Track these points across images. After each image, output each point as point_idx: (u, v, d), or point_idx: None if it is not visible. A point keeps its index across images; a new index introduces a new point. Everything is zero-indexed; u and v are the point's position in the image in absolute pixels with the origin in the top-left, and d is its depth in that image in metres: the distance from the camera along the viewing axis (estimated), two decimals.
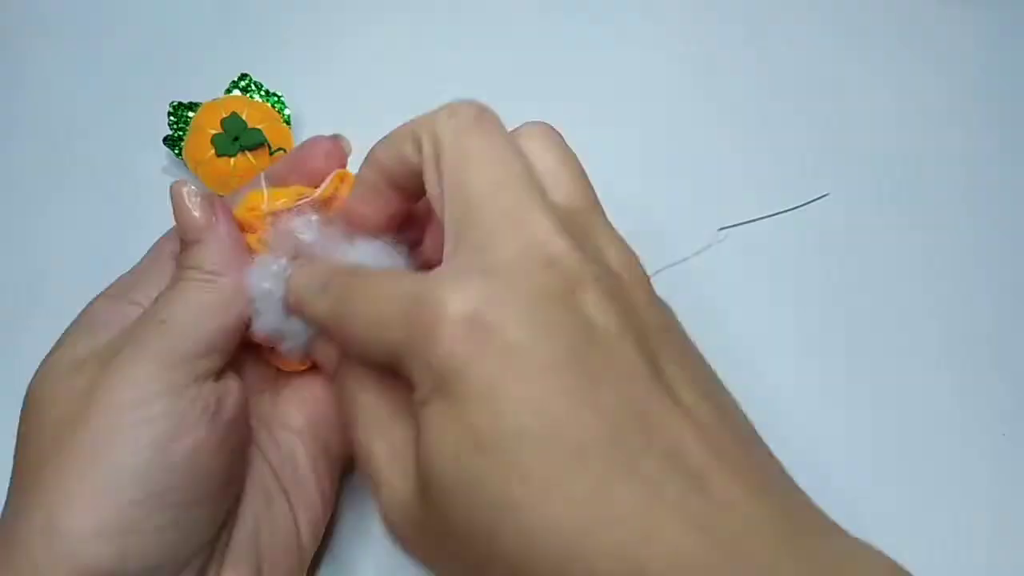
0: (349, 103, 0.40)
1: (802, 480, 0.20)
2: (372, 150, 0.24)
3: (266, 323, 0.25)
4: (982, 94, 0.41)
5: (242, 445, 0.25)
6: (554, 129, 0.23)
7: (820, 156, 0.39)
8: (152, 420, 0.22)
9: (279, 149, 0.36)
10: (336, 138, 0.28)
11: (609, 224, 0.22)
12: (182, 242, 0.26)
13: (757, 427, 0.21)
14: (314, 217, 0.26)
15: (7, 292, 0.35)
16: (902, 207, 0.38)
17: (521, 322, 0.18)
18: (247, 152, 0.35)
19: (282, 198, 0.26)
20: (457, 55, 0.42)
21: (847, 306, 0.35)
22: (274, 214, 0.26)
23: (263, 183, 0.27)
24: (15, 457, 0.23)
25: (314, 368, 0.28)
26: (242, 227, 0.26)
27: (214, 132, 0.35)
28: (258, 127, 0.36)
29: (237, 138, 0.35)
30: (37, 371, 0.24)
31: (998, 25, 0.43)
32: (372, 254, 0.25)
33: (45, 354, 0.25)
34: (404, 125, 0.23)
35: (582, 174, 0.22)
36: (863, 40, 0.43)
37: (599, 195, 0.23)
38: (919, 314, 0.35)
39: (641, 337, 0.19)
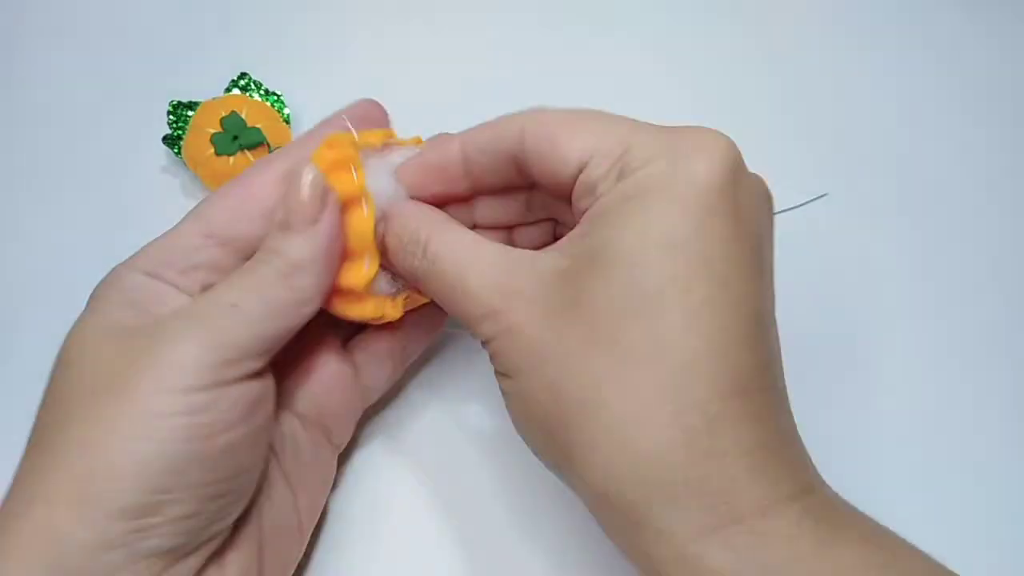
0: (348, 102, 0.39)
1: None
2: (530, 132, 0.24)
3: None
4: (983, 94, 0.41)
5: (268, 442, 0.25)
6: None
7: (820, 156, 0.39)
8: (195, 412, 0.22)
9: (278, 148, 0.36)
10: (374, 103, 0.29)
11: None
12: (279, 223, 0.24)
13: None
14: (399, 159, 0.26)
15: (7, 291, 0.35)
16: (902, 207, 0.38)
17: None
18: (246, 151, 0.35)
19: (370, 138, 0.26)
20: (456, 55, 0.42)
21: (847, 305, 0.35)
22: (364, 151, 0.26)
23: (347, 123, 0.26)
24: (38, 414, 0.23)
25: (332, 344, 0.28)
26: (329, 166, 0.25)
27: (213, 131, 0.35)
28: (257, 126, 0.36)
29: (236, 137, 0.35)
30: (69, 334, 0.24)
31: (999, 26, 0.43)
32: None
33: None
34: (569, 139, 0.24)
35: None
36: (863, 41, 0.43)
37: None
38: (919, 313, 0.35)
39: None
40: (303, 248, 0.24)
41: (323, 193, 0.24)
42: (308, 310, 0.24)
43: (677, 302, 0.21)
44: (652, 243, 0.21)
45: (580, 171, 0.23)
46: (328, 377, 0.28)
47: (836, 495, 0.23)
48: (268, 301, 0.23)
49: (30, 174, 0.39)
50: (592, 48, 0.42)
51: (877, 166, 0.39)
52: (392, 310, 0.27)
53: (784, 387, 0.23)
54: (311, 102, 0.39)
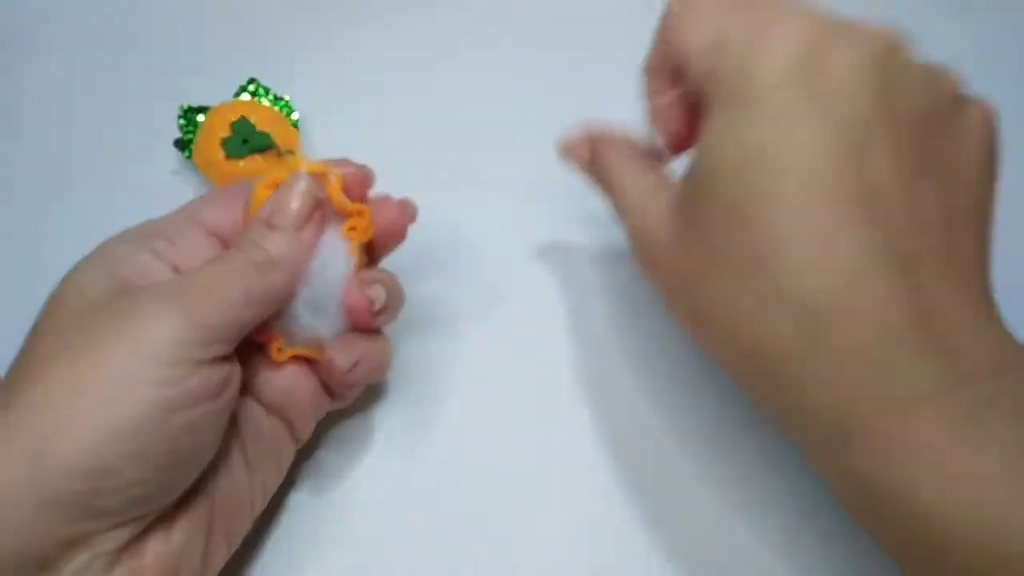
0: (355, 107, 0.40)
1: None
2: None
3: (303, 315, 0.26)
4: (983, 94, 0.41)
5: (227, 423, 0.26)
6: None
7: None
8: (163, 385, 0.22)
9: (287, 152, 0.36)
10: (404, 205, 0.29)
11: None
12: (265, 220, 0.26)
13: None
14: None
15: (18, 294, 0.36)
16: None
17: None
18: (256, 154, 0.36)
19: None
20: (462, 60, 0.42)
21: None
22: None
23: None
24: (8, 372, 0.23)
25: (296, 359, 0.28)
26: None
27: (224, 135, 0.36)
28: (266, 130, 0.36)
29: (246, 141, 0.36)
30: (51, 294, 0.24)
31: (997, 30, 0.43)
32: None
33: None
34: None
35: None
36: None
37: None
38: None
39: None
40: (282, 247, 0.26)
41: (314, 205, 0.26)
42: (274, 307, 0.26)
43: (765, 212, 0.21)
44: (728, 158, 0.22)
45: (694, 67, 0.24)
46: (295, 373, 0.28)
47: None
48: (244, 289, 0.24)
49: (41, 178, 0.39)
50: (596, 52, 0.42)
51: None
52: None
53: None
54: (319, 107, 0.40)
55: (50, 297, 0.25)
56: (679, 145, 0.27)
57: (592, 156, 0.29)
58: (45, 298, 0.25)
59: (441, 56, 0.42)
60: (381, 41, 0.43)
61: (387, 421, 0.32)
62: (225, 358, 0.24)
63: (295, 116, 0.38)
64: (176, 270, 0.26)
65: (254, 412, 0.28)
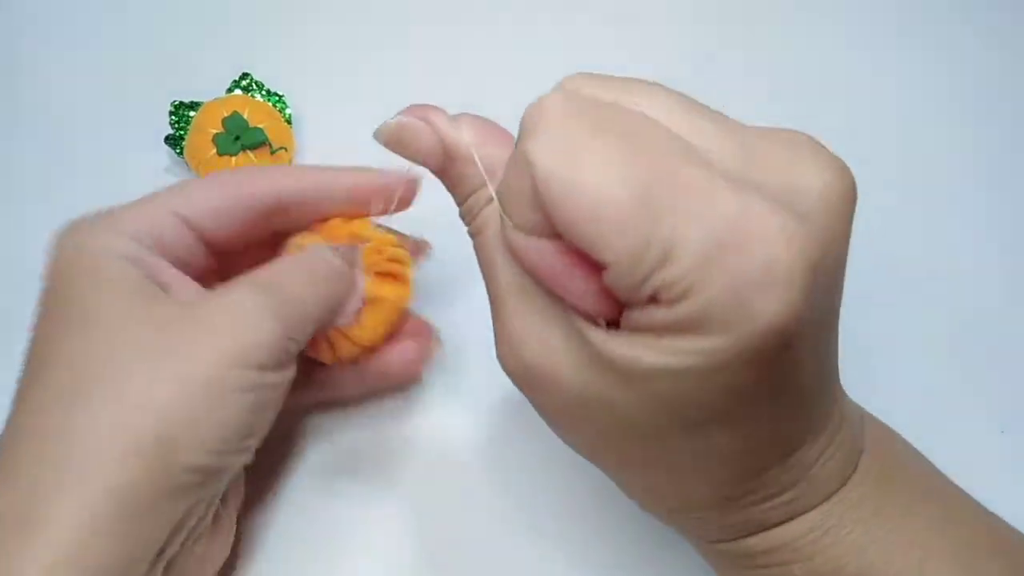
0: (350, 103, 0.40)
1: None
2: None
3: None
4: (983, 95, 0.41)
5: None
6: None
7: None
8: (259, 388, 0.23)
9: (280, 148, 0.36)
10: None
11: None
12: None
13: None
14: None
15: (7, 292, 0.35)
16: (902, 206, 0.38)
17: None
18: (248, 151, 0.35)
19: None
20: (458, 54, 0.42)
21: (848, 303, 0.35)
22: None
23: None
24: (51, 373, 0.23)
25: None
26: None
27: (216, 131, 0.35)
28: (259, 126, 0.36)
29: (238, 137, 0.35)
30: (68, 282, 0.24)
31: (999, 25, 0.43)
32: None
33: None
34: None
35: None
36: (866, 40, 0.43)
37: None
38: (921, 311, 0.35)
39: None
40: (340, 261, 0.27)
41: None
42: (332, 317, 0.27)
43: None
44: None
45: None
46: None
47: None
48: (323, 296, 0.26)
49: (31, 174, 0.39)
50: (593, 49, 0.42)
51: (879, 166, 0.39)
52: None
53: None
54: (313, 103, 0.39)
55: (73, 287, 0.24)
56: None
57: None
58: (34, 294, 0.24)
59: (438, 52, 0.42)
60: (376, 37, 0.42)
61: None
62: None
63: (289, 112, 0.38)
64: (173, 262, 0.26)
65: None
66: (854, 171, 0.19)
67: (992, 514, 0.24)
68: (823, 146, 0.19)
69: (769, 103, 0.40)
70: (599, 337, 0.18)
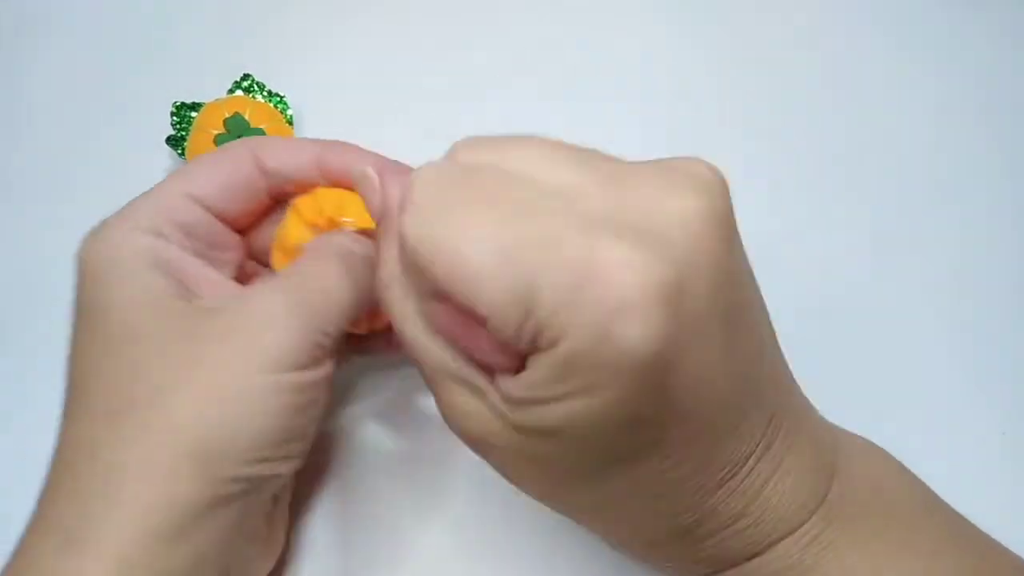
0: (351, 103, 0.40)
1: None
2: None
3: None
4: (983, 95, 0.41)
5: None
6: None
7: (822, 155, 0.39)
8: (295, 391, 0.23)
9: None
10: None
11: None
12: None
13: None
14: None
15: (8, 292, 0.35)
16: (904, 206, 0.38)
17: None
18: None
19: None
20: (459, 55, 0.42)
21: (846, 307, 0.35)
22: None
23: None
24: (98, 387, 0.23)
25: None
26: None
27: (217, 132, 0.35)
28: (260, 127, 0.36)
29: (240, 137, 0.35)
30: (109, 298, 0.24)
31: (999, 27, 0.43)
32: None
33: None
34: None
35: None
36: (872, 41, 0.43)
37: None
38: (922, 311, 0.35)
39: None
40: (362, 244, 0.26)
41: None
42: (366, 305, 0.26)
43: None
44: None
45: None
46: None
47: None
48: (349, 286, 0.25)
49: (33, 175, 0.39)
50: (595, 46, 0.42)
51: (881, 166, 0.39)
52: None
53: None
54: (313, 103, 0.39)
55: (112, 299, 0.24)
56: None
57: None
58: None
59: (439, 52, 0.42)
60: (377, 37, 0.42)
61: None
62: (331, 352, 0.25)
63: (290, 113, 0.38)
64: (197, 255, 0.26)
65: None
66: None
67: (988, 540, 0.24)
68: (704, 169, 0.19)
69: (771, 104, 0.40)
70: (505, 407, 0.20)
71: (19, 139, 0.40)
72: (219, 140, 0.35)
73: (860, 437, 0.25)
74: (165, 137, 0.37)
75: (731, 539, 0.22)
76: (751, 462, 0.21)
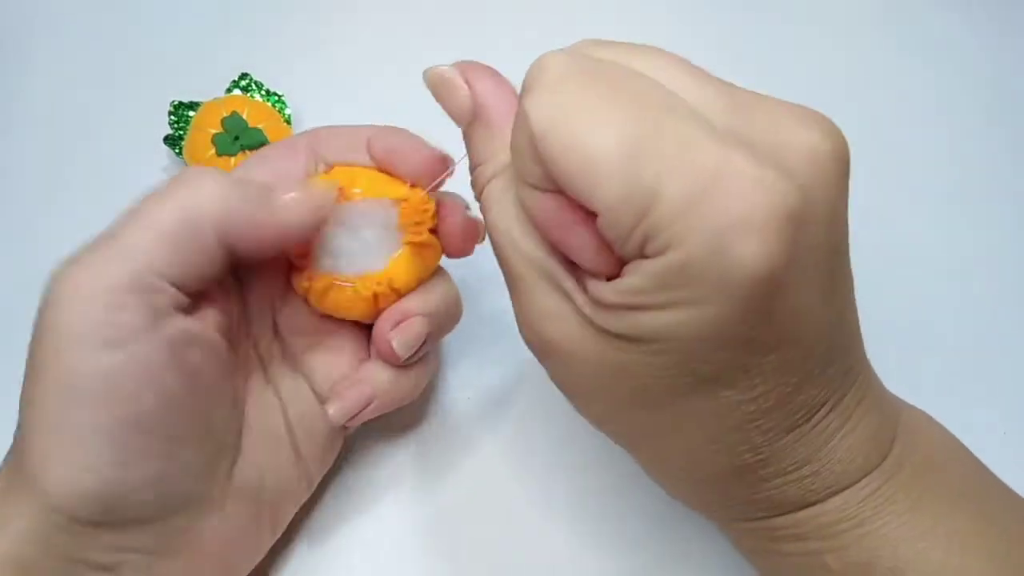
0: (349, 103, 0.40)
1: None
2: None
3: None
4: (982, 95, 0.41)
5: (220, 394, 0.25)
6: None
7: None
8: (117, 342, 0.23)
9: None
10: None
11: None
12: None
13: None
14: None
15: (7, 292, 0.35)
16: (904, 206, 0.38)
17: None
18: (248, 151, 0.35)
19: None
20: (458, 55, 0.41)
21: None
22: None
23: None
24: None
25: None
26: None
27: (215, 131, 0.35)
28: (259, 126, 0.36)
29: (238, 137, 0.35)
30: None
31: (997, 27, 0.43)
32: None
33: None
34: None
35: None
36: (862, 41, 0.43)
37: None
38: (922, 311, 0.35)
39: None
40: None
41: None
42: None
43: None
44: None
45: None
46: (349, 360, 0.28)
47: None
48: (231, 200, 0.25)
49: (31, 174, 0.39)
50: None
51: (880, 166, 0.39)
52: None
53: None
54: (312, 103, 0.39)
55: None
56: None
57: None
58: (34, 293, 0.25)
59: (439, 53, 0.42)
60: (376, 36, 0.42)
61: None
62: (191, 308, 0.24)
63: (288, 112, 0.38)
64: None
65: (302, 395, 0.28)
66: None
67: None
68: (818, 112, 0.20)
69: None
70: (592, 311, 0.19)
71: (17, 138, 0.40)
72: (217, 139, 0.35)
73: (919, 409, 0.25)
74: (163, 136, 0.37)
75: (791, 485, 0.21)
76: (824, 410, 0.21)
